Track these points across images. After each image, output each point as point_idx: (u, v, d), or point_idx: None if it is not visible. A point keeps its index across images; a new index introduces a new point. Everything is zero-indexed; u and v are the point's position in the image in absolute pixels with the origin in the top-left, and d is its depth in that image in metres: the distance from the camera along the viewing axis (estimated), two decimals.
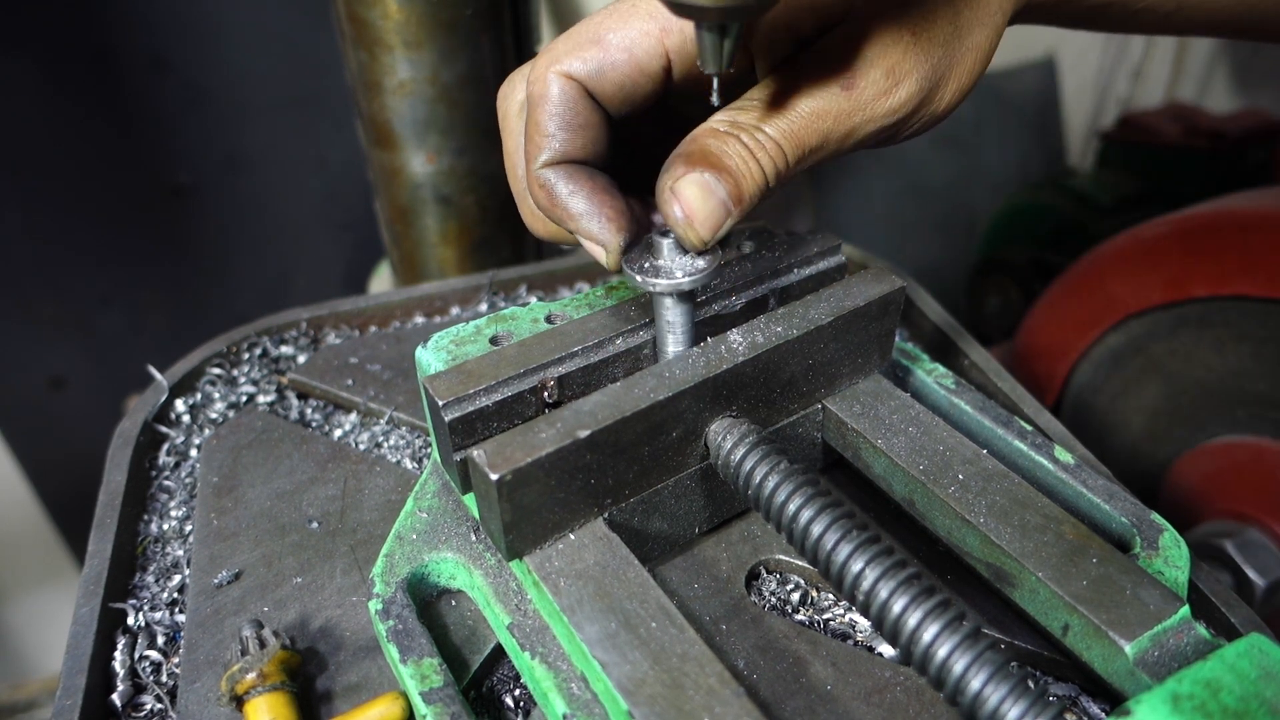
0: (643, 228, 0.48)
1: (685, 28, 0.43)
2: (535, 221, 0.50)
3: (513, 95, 0.48)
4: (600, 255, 0.45)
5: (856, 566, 0.41)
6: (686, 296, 0.47)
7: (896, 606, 0.39)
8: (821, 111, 0.42)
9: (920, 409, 0.53)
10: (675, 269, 0.44)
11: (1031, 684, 0.37)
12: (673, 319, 0.47)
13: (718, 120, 0.43)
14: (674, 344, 0.48)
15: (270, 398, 0.71)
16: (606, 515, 0.47)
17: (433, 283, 0.82)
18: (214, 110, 1.60)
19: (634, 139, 0.50)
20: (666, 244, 0.44)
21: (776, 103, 0.42)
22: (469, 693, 0.48)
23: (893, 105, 0.43)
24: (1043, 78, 2.48)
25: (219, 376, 0.73)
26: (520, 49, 1.00)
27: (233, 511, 0.60)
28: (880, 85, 0.42)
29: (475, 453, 0.42)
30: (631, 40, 0.44)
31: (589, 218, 0.45)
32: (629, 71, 0.44)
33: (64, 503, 1.74)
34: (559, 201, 0.45)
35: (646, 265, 0.45)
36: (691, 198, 0.41)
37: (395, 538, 0.51)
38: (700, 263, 0.44)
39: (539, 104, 0.45)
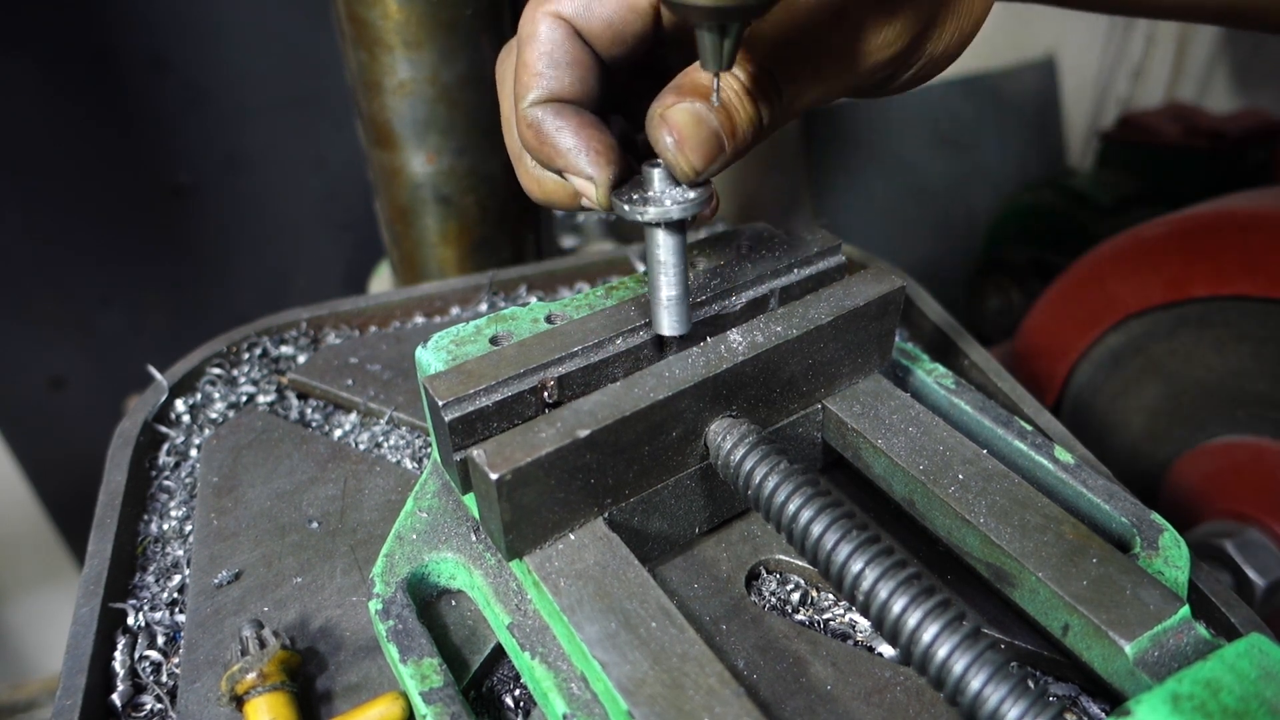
0: (634, 171, 0.46)
1: None
2: (530, 181, 0.48)
3: (508, 58, 0.47)
4: (590, 192, 0.44)
5: (856, 566, 0.41)
6: (677, 228, 0.44)
7: (896, 606, 0.39)
8: (815, 47, 0.42)
9: (920, 409, 0.53)
10: (665, 199, 0.43)
11: (1031, 684, 0.37)
12: (665, 257, 0.45)
13: None
14: (667, 287, 0.46)
15: (270, 398, 0.71)
16: (606, 515, 0.47)
17: (433, 283, 0.82)
18: (214, 110, 1.60)
19: (631, 97, 0.49)
20: (657, 174, 0.43)
21: (770, 40, 0.42)
22: (469, 693, 0.48)
23: (888, 38, 0.43)
24: (1043, 78, 2.48)
25: (219, 376, 0.73)
26: None
27: (233, 511, 0.60)
28: (874, 19, 0.42)
29: (475, 453, 0.42)
30: None
31: (576, 153, 0.43)
32: (617, 7, 0.43)
33: (64, 503, 1.74)
34: (546, 138, 0.44)
35: (635, 197, 0.43)
36: (682, 123, 0.40)
37: (395, 538, 0.51)
38: (691, 193, 0.42)
39: (527, 44, 0.44)
